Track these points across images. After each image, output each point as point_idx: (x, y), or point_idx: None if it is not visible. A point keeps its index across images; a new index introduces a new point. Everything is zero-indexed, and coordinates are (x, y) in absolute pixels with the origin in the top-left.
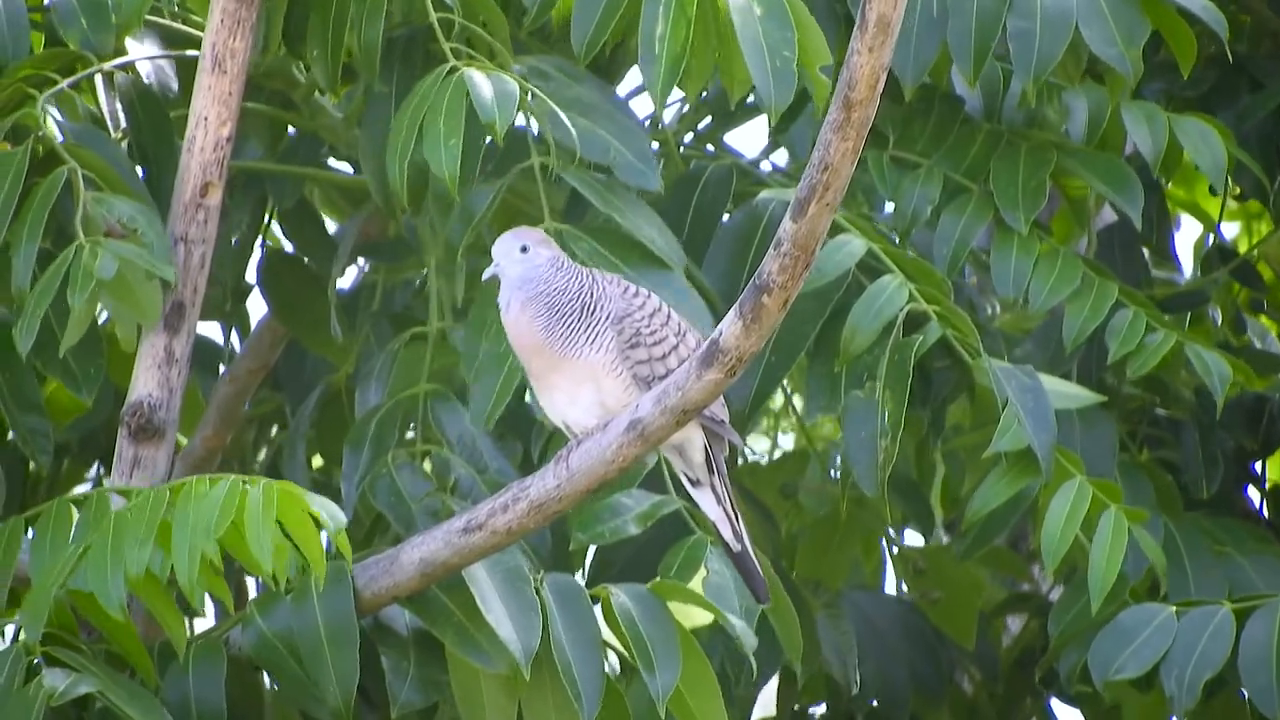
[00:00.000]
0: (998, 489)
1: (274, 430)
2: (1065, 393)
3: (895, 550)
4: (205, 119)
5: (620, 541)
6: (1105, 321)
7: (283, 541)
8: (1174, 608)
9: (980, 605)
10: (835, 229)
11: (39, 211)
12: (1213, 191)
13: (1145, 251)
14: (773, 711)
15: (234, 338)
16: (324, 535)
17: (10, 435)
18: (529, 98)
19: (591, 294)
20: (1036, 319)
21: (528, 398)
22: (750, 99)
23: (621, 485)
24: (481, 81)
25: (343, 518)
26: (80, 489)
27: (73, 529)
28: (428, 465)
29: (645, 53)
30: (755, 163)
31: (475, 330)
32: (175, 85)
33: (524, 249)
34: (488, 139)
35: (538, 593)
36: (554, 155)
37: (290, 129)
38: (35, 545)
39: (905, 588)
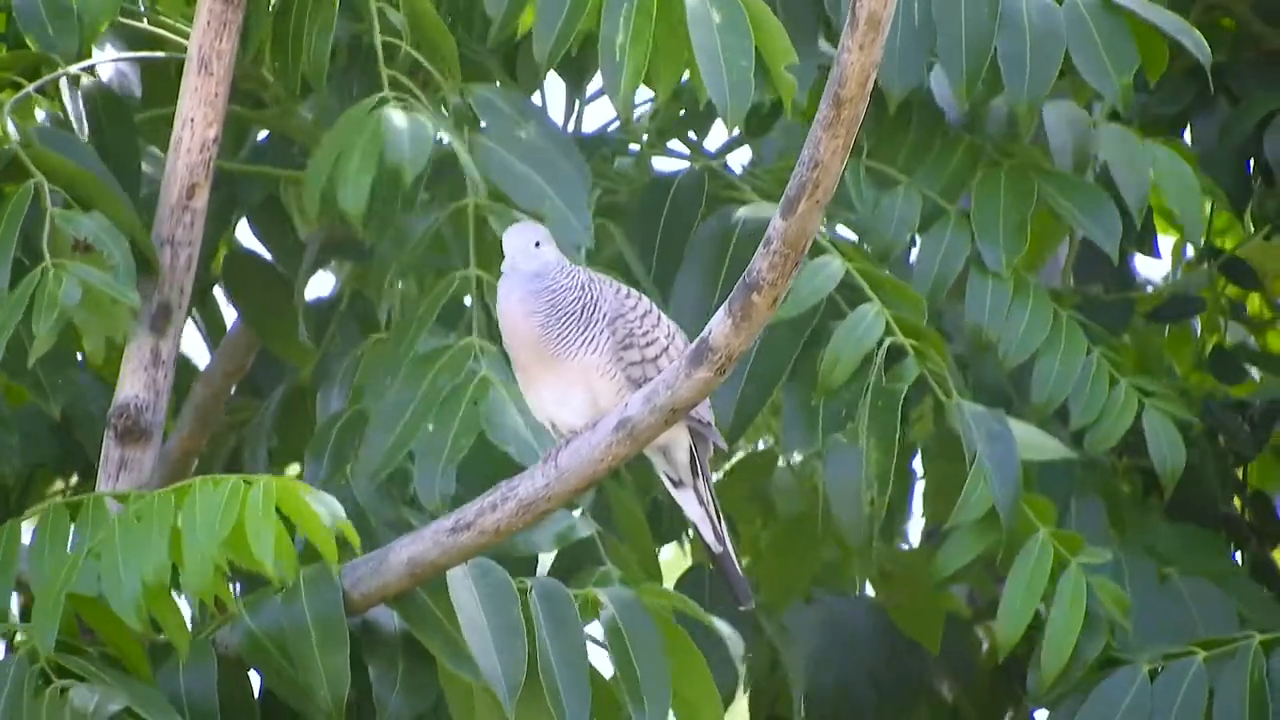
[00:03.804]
0: (963, 548)
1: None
2: (1033, 443)
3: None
4: (192, 120)
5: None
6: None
7: (284, 537)
8: (1146, 668)
9: (951, 607)
10: (815, 249)
11: (9, 227)
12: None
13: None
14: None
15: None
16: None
17: None
18: (459, 141)
19: (590, 295)
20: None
21: None
22: None
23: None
24: (399, 122)
25: (341, 511)
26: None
27: (70, 534)
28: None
29: (606, 61)
30: (716, 156)
31: (391, 363)
32: (138, 90)
33: (536, 244)
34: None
35: (524, 599)
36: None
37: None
38: (34, 552)
39: (871, 591)
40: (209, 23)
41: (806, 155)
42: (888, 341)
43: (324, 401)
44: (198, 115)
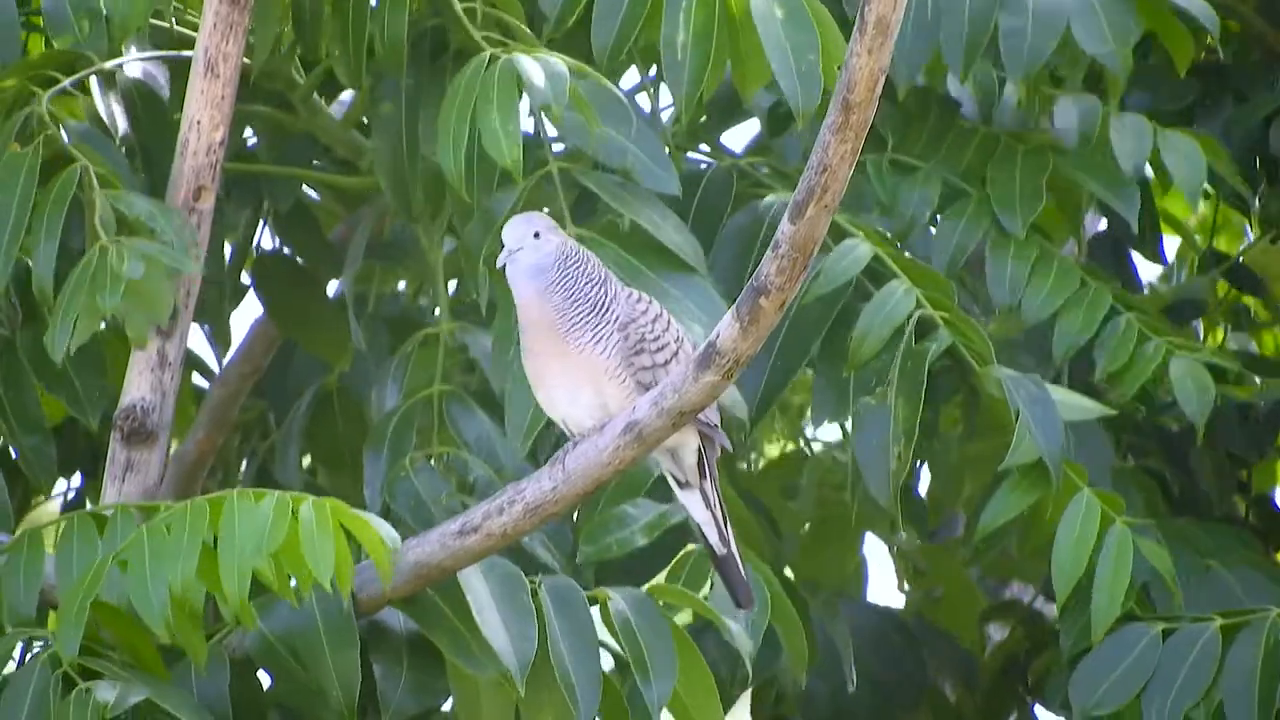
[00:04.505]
0: (1010, 502)
1: (256, 437)
2: (1072, 404)
3: (895, 550)
4: (198, 123)
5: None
6: (1096, 335)
7: (345, 553)
8: (1160, 627)
9: (982, 602)
10: (840, 233)
11: (56, 210)
12: (1189, 197)
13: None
14: (747, 718)
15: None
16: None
17: None
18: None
19: (604, 292)
20: (1022, 324)
21: None
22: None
23: (627, 494)
24: (530, 65)
25: (397, 537)
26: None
27: (98, 544)
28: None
29: (669, 61)
30: (740, 159)
31: (503, 340)
32: (167, 91)
33: (536, 235)
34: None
35: (535, 596)
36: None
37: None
38: (61, 560)
39: (906, 588)
40: (215, 25)
41: (815, 160)
42: (918, 314)
43: (378, 399)
44: (204, 118)
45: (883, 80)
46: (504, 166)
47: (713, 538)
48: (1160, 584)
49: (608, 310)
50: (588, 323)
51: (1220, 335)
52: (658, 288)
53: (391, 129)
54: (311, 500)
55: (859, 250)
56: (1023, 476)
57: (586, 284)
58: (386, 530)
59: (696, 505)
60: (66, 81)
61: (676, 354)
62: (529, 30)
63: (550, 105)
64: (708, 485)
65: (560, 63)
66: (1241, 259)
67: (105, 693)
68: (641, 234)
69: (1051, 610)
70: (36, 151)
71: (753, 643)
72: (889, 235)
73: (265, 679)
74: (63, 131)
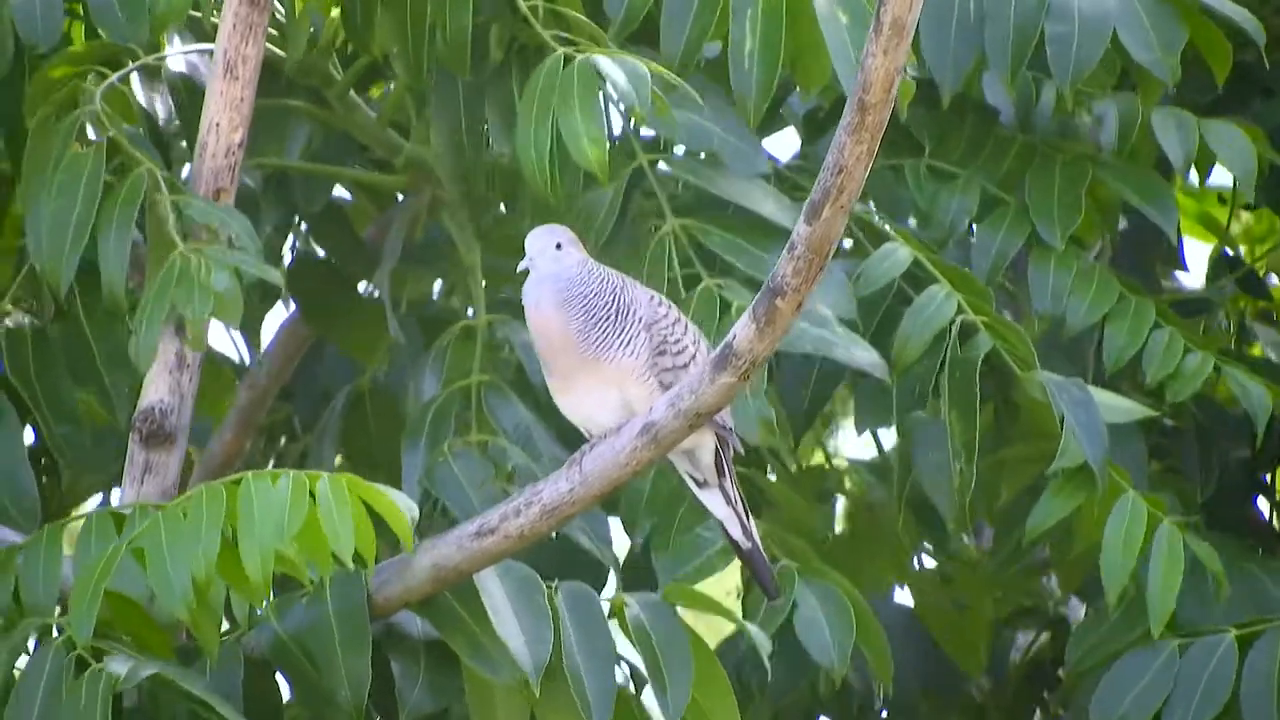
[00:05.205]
0: (1055, 505)
1: (282, 440)
2: (1114, 406)
3: (919, 563)
4: (217, 125)
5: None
6: (1145, 344)
7: (367, 526)
8: (1176, 642)
9: (1001, 615)
10: (880, 238)
11: (126, 211)
12: (1248, 205)
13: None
14: None
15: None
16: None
17: None
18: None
19: (623, 298)
20: (1046, 327)
21: None
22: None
23: (700, 518)
24: (610, 66)
25: (415, 508)
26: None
27: (114, 539)
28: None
29: (736, 69)
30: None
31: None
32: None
33: (558, 246)
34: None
35: (550, 602)
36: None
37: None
38: (80, 555)
39: (912, 602)
40: (234, 26)
41: (831, 160)
42: (960, 319)
43: (415, 390)
44: (223, 120)
45: (899, 81)
46: (588, 169)
47: (735, 533)
48: (1190, 596)
49: (631, 312)
50: (612, 331)
51: (1236, 339)
52: (765, 263)
53: (451, 129)
54: (327, 477)
55: (899, 254)
56: (1067, 480)
57: (609, 294)
58: (404, 501)
59: (717, 503)
60: (114, 77)
61: (695, 356)
62: (595, 25)
63: (635, 106)
64: (727, 483)
65: (639, 63)
66: (1258, 265)
67: (117, 666)
68: (741, 213)
69: (1076, 615)
70: (100, 153)
71: (839, 661)
72: (926, 242)
73: (281, 684)
74: (121, 132)
